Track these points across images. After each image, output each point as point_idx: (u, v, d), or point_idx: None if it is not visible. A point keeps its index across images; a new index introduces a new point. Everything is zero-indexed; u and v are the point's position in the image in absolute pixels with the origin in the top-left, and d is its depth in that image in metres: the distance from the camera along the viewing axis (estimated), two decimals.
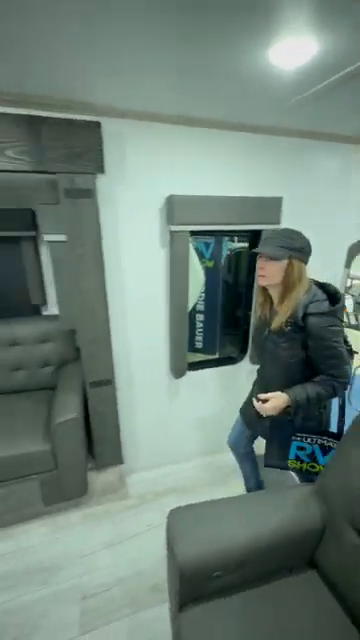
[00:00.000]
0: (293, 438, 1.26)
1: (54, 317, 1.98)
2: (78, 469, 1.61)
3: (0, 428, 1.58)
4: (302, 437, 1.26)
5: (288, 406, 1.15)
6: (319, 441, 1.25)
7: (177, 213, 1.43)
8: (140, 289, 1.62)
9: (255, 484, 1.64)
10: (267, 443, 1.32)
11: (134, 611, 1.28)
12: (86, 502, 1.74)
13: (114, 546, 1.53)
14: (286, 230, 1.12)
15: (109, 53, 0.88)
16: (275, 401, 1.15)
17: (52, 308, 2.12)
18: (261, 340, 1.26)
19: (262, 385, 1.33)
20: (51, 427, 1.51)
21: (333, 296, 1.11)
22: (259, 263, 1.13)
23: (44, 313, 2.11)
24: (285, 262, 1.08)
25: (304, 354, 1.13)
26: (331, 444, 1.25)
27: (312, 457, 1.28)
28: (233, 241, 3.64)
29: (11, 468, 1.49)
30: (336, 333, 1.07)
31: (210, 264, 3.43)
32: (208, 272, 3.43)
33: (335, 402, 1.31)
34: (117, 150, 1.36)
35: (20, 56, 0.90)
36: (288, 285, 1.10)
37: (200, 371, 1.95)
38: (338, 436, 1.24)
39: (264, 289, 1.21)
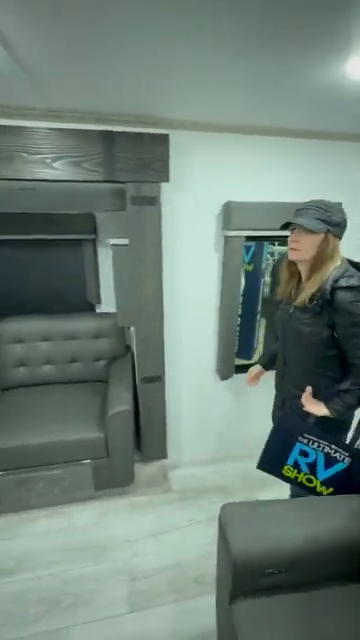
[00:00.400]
0: (299, 439, 1.12)
1: (107, 315, 2.12)
2: (126, 459, 1.71)
3: (59, 414, 1.73)
4: (310, 440, 1.11)
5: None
6: (327, 449, 1.09)
7: (233, 219, 1.48)
8: (192, 291, 1.69)
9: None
10: (266, 442, 1.19)
11: (178, 599, 1.34)
12: (131, 492, 1.84)
13: (157, 536, 1.61)
14: (323, 202, 1.03)
15: (187, 73, 0.95)
16: (314, 407, 1.10)
17: (105, 306, 2.27)
18: (284, 319, 1.17)
19: (282, 369, 1.24)
20: (105, 418, 1.62)
21: None
22: (293, 236, 1.05)
23: (97, 311, 2.26)
24: (321, 236, 1.01)
25: (329, 332, 1.04)
26: (338, 456, 1.09)
27: (312, 468, 1.12)
28: (274, 244, 3.59)
29: (68, 451, 1.63)
30: None
31: (250, 268, 3.42)
32: (248, 276, 3.43)
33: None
34: (180, 160, 1.44)
35: (107, 80, 1.00)
36: (320, 260, 1.03)
37: (242, 375, 1.96)
38: (348, 448, 1.09)
39: (291, 264, 1.13)
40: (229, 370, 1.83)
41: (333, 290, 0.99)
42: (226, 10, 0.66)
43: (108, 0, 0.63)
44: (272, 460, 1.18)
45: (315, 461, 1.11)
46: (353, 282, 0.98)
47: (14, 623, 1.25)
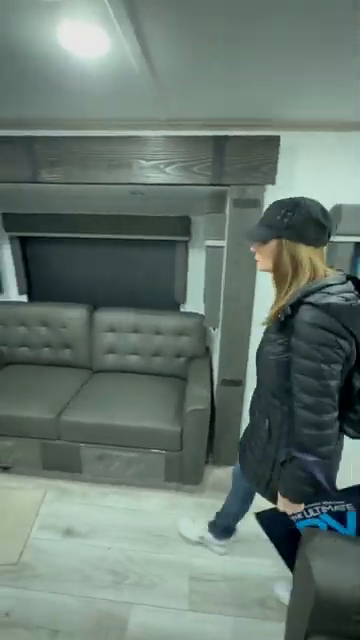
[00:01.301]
0: (295, 519, 0.94)
1: (192, 314, 2.18)
2: (198, 457, 1.72)
3: (141, 403, 1.85)
4: (303, 512, 0.93)
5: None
6: (324, 509, 0.92)
7: (343, 223, 1.36)
8: None
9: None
10: (278, 551, 1.03)
11: (240, 615, 1.28)
12: (198, 491, 1.85)
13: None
14: (277, 203, 0.87)
15: (312, 67, 0.91)
16: (284, 506, 0.92)
17: (189, 306, 2.34)
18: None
19: (255, 401, 1.05)
20: (183, 413, 1.67)
21: None
22: (253, 246, 0.93)
23: (182, 310, 2.35)
24: (274, 244, 0.86)
25: (289, 357, 0.84)
26: (340, 508, 0.92)
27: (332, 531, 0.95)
28: None
29: (146, 438, 1.72)
30: (324, 341, 0.76)
31: None
32: None
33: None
34: (285, 161, 1.39)
35: (230, 88, 1.04)
36: (280, 270, 0.87)
37: None
38: (337, 496, 0.91)
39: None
40: None
41: (297, 304, 0.81)
42: None
43: (247, 13, 0.64)
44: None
45: (328, 527, 0.95)
46: (323, 301, 0.77)
47: (88, 583, 1.37)
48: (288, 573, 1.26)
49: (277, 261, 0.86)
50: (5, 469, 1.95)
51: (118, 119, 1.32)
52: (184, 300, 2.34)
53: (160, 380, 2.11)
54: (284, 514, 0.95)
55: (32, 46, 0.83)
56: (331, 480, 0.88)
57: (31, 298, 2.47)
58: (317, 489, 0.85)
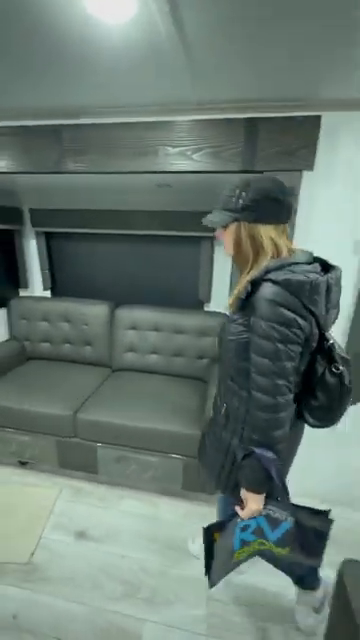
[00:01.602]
0: (236, 517, 0.90)
1: (215, 313, 2.08)
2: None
3: (160, 404, 1.76)
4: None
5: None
6: (264, 511, 0.88)
7: None
8: None
9: None
10: (205, 550, 0.96)
11: None
12: None
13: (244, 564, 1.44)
14: (234, 184, 0.83)
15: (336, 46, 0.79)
16: (249, 506, 0.86)
17: (214, 306, 2.24)
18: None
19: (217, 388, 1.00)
20: (203, 417, 1.56)
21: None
22: (216, 231, 0.90)
23: (206, 309, 2.25)
24: (233, 228, 0.83)
25: (248, 338, 0.81)
26: (279, 516, 0.88)
27: (259, 533, 0.92)
28: None
29: (164, 441, 1.63)
30: (282, 320, 0.73)
31: None
32: None
33: None
34: (327, 145, 1.26)
35: (266, 63, 0.94)
36: (240, 253, 0.84)
37: None
38: (286, 506, 0.88)
39: None
40: None
41: (258, 281, 0.77)
42: None
43: None
44: (221, 561, 0.96)
45: (259, 526, 0.91)
46: (285, 277, 0.73)
47: (100, 592, 1.30)
48: (309, 598, 1.18)
49: (237, 244, 0.84)
50: (23, 464, 1.94)
51: (146, 104, 1.25)
52: (208, 299, 2.24)
53: (180, 381, 2.02)
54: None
55: (58, 16, 0.78)
56: (282, 478, 0.86)
57: (54, 294, 2.47)
58: (271, 485, 0.84)
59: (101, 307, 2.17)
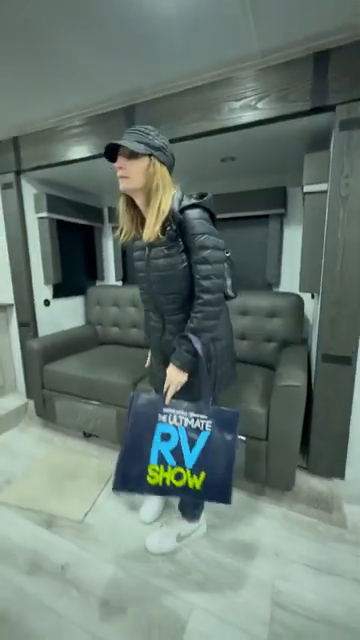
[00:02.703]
0: (159, 418, 1.00)
1: (286, 294, 1.91)
2: (288, 453, 1.37)
3: None
4: (169, 414, 1.00)
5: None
6: (186, 421, 0.98)
7: None
8: None
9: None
10: (122, 443, 1.01)
11: None
12: (288, 503, 1.46)
13: (321, 573, 1.15)
14: (143, 126, 0.94)
15: None
16: (172, 384, 1.01)
17: (283, 287, 2.07)
18: (144, 261, 1.04)
19: (161, 323, 1.09)
20: (272, 391, 1.38)
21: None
22: (117, 163, 0.94)
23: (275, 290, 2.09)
24: (146, 161, 0.92)
25: (188, 261, 0.97)
26: (199, 424, 0.97)
27: (178, 455, 0.97)
28: None
29: None
30: (209, 229, 0.94)
31: None
32: None
33: None
34: None
35: None
36: (152, 188, 0.93)
37: None
38: (205, 410, 0.98)
39: (128, 200, 1.01)
40: None
41: (182, 210, 0.92)
42: None
43: None
44: (133, 464, 0.98)
45: (179, 443, 0.98)
46: (194, 200, 0.93)
47: (147, 566, 1.18)
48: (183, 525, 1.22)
49: (149, 178, 0.93)
50: (87, 437, 1.99)
51: (209, 67, 1.30)
52: (278, 282, 2.08)
53: (245, 367, 1.86)
54: (156, 401, 1.02)
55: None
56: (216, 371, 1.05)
57: (125, 283, 2.64)
58: (197, 358, 0.97)
59: None
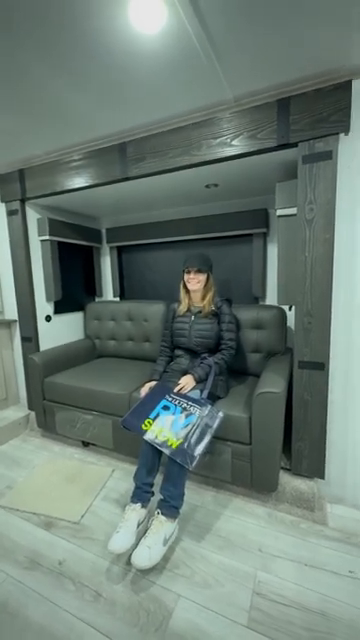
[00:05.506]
0: (166, 397, 1.51)
1: (270, 306, 2.04)
2: (270, 455, 1.47)
3: None
4: (174, 398, 1.50)
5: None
6: (184, 405, 1.46)
7: None
8: None
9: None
10: (137, 403, 1.52)
11: None
12: (272, 504, 1.54)
13: (301, 566, 1.23)
14: (201, 253, 1.78)
15: None
16: (187, 385, 1.59)
17: (269, 301, 2.21)
18: (187, 326, 1.78)
19: (189, 362, 1.77)
20: (252, 398, 1.50)
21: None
22: (192, 274, 1.72)
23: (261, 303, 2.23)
24: (207, 274, 1.75)
25: (219, 329, 1.75)
26: (192, 409, 1.43)
27: (170, 422, 1.40)
28: None
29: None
30: (234, 318, 1.81)
31: None
32: None
33: None
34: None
35: (294, 48, 1.07)
36: (208, 288, 1.77)
37: None
38: (199, 402, 1.47)
39: (186, 289, 1.80)
40: None
41: (221, 303, 1.78)
42: None
43: None
44: (137, 415, 1.44)
45: (173, 415, 1.42)
46: (225, 299, 1.81)
47: None
48: (166, 527, 1.25)
49: (208, 283, 1.77)
50: (86, 445, 2.09)
51: (189, 111, 1.49)
52: (263, 295, 2.23)
53: (234, 376, 1.98)
54: (168, 389, 1.57)
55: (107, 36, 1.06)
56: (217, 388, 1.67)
57: (122, 299, 2.79)
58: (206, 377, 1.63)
59: (158, 305, 2.36)
